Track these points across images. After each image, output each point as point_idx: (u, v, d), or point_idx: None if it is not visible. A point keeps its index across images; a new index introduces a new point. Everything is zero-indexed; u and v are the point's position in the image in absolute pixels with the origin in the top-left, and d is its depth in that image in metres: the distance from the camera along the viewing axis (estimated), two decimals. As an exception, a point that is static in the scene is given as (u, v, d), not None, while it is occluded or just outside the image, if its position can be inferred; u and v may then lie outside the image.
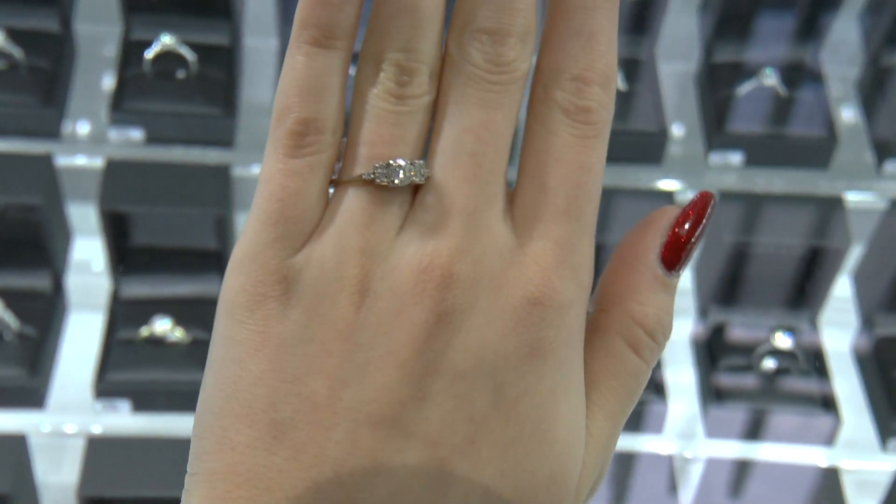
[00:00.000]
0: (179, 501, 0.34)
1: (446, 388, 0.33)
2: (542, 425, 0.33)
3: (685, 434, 1.29)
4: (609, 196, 1.25)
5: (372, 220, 0.33)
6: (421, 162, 0.34)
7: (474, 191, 0.33)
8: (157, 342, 1.23)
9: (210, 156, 1.26)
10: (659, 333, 0.36)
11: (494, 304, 0.33)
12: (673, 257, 0.36)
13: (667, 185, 1.29)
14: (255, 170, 1.26)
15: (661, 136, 1.27)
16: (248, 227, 0.34)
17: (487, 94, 0.34)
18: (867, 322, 1.34)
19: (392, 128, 0.34)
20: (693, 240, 0.36)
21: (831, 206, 1.28)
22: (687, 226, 0.36)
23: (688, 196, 1.27)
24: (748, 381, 1.28)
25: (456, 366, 0.33)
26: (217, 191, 1.23)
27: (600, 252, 1.26)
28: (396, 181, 0.33)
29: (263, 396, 0.32)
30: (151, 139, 1.25)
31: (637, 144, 1.28)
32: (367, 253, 0.33)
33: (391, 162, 0.33)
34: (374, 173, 0.33)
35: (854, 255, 1.36)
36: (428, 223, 0.33)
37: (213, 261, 1.29)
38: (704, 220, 0.36)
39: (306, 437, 0.32)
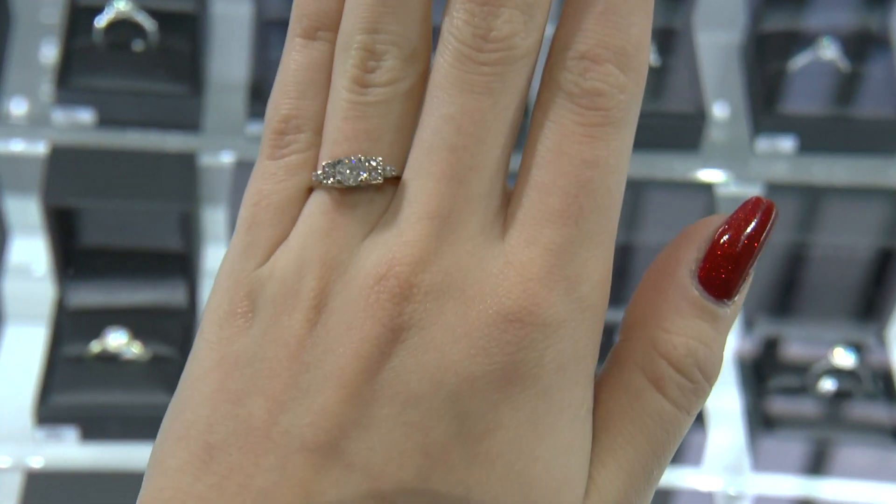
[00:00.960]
0: None
1: (396, 415, 0.32)
2: (517, 465, 0.33)
3: (729, 467, 1.26)
4: (638, 189, 1.23)
5: (333, 226, 0.34)
6: (379, 159, 0.34)
7: (451, 190, 0.33)
8: (110, 359, 1.20)
9: (173, 141, 1.24)
10: (691, 369, 0.34)
11: (463, 320, 0.32)
12: (714, 277, 0.34)
13: (706, 175, 1.25)
14: (226, 157, 1.24)
15: (700, 118, 1.24)
16: (233, 237, 0.35)
17: (474, 76, 0.33)
18: (945, 336, 1.32)
19: (356, 121, 0.34)
20: (746, 260, 0.34)
21: (902, 200, 1.24)
22: (739, 237, 0.34)
23: (731, 190, 1.24)
24: (803, 405, 1.25)
25: (409, 389, 0.32)
26: (181, 182, 1.21)
27: (629, 258, 1.23)
28: (344, 181, 0.33)
29: (204, 418, 0.33)
30: (104, 121, 1.23)
31: (671, 128, 1.24)
32: (328, 263, 0.33)
33: (342, 160, 0.34)
34: (322, 174, 0.34)
35: (928, 256, 1.32)
36: (394, 228, 0.33)
37: (177, 264, 1.26)
38: (762, 237, 0.34)
39: (235, 462, 0.32)
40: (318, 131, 0.35)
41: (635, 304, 0.35)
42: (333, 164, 0.33)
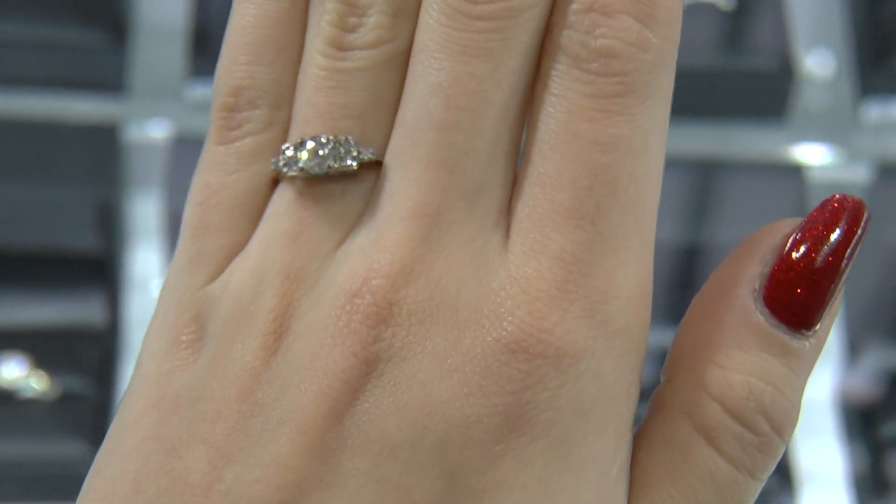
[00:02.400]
0: None
1: (368, 469, 0.30)
2: None
3: (830, 545, 1.17)
4: (709, 172, 1.13)
5: (299, 228, 0.32)
6: (352, 139, 0.32)
7: (441, 181, 0.31)
8: (4, 397, 1.09)
9: (88, 107, 1.13)
10: (753, 416, 0.32)
11: (454, 350, 0.31)
12: (785, 298, 0.32)
13: (797, 152, 1.13)
14: (158, 129, 1.13)
15: (787, 76, 1.12)
16: (177, 246, 0.35)
17: (468, 34, 0.32)
18: None
19: (331, 94, 0.33)
20: (829, 280, 0.32)
21: None
22: (818, 249, 0.32)
23: (829, 174, 1.13)
24: (932, 463, 1.16)
25: (385, 437, 0.31)
26: (99, 163, 1.13)
27: (696, 264, 1.18)
28: (309, 169, 0.32)
29: (132, 472, 0.32)
30: (-7, 80, 1.14)
31: (750, 91, 1.14)
32: (292, 275, 0.32)
33: (306, 141, 0.32)
34: (283, 160, 0.33)
35: None
36: (371, 231, 0.32)
37: (93, 271, 1.15)
38: (849, 249, 0.32)
39: None
40: (281, 105, 0.33)
41: (683, 333, 0.33)
42: (296, 148, 0.32)
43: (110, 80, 1.12)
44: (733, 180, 1.14)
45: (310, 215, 0.32)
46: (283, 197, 0.33)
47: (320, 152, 0.32)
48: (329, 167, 0.32)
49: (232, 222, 0.33)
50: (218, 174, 0.34)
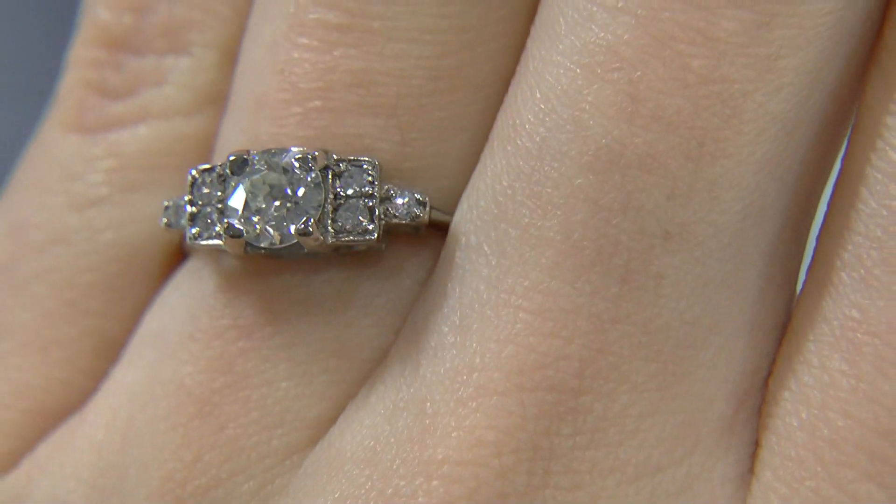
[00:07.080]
0: None
1: None
2: None
3: None
4: None
5: (222, 386, 0.17)
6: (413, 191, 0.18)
7: (595, 303, 0.16)
8: None
9: None
10: None
11: None
12: None
13: None
14: None
15: None
16: None
17: None
18: None
19: (326, 51, 0.18)
20: None
21: None
22: None
23: None
24: None
25: None
26: None
27: None
28: (273, 237, 0.17)
29: None
30: None
31: None
32: None
33: (288, 161, 0.17)
34: (208, 204, 0.18)
35: None
36: (449, 399, 0.16)
37: None
38: None
39: None
40: (229, 50, 0.19)
41: None
42: (262, 180, 0.17)
43: None
44: None
45: (247, 350, 0.18)
46: (197, 289, 0.18)
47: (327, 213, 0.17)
48: (341, 238, 0.17)
49: (76, 327, 0.19)
50: (63, 203, 0.19)
